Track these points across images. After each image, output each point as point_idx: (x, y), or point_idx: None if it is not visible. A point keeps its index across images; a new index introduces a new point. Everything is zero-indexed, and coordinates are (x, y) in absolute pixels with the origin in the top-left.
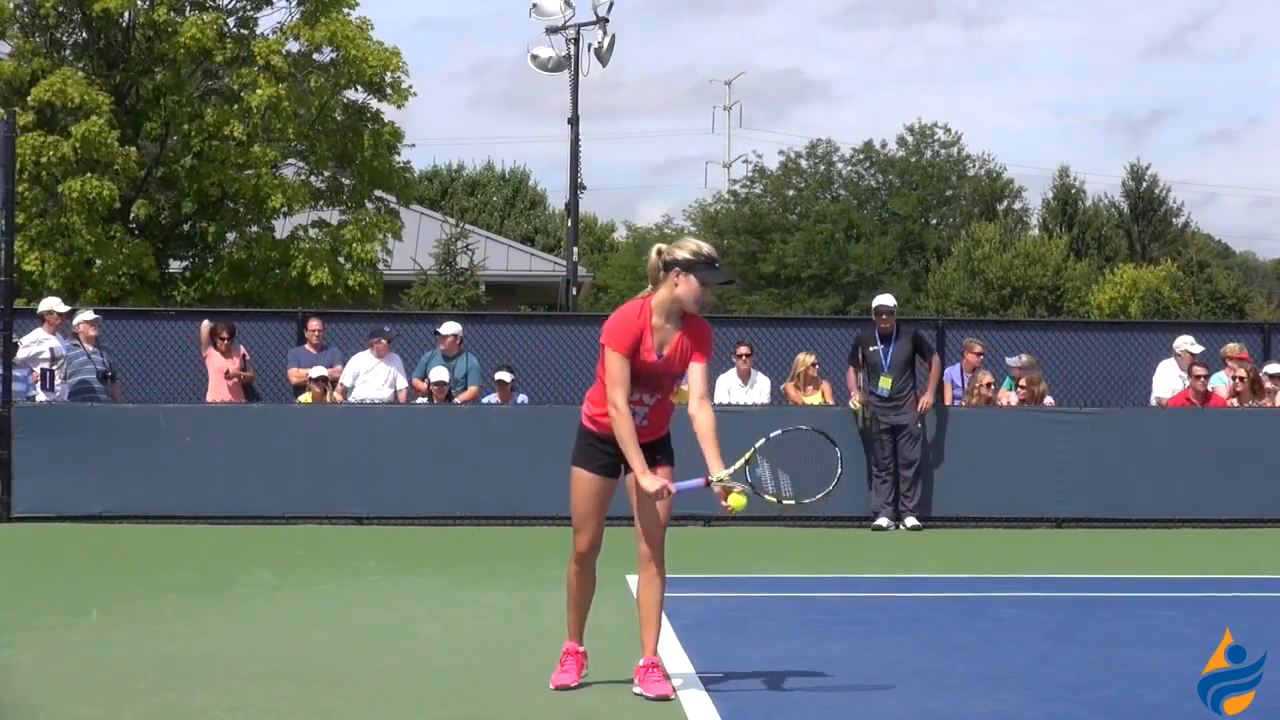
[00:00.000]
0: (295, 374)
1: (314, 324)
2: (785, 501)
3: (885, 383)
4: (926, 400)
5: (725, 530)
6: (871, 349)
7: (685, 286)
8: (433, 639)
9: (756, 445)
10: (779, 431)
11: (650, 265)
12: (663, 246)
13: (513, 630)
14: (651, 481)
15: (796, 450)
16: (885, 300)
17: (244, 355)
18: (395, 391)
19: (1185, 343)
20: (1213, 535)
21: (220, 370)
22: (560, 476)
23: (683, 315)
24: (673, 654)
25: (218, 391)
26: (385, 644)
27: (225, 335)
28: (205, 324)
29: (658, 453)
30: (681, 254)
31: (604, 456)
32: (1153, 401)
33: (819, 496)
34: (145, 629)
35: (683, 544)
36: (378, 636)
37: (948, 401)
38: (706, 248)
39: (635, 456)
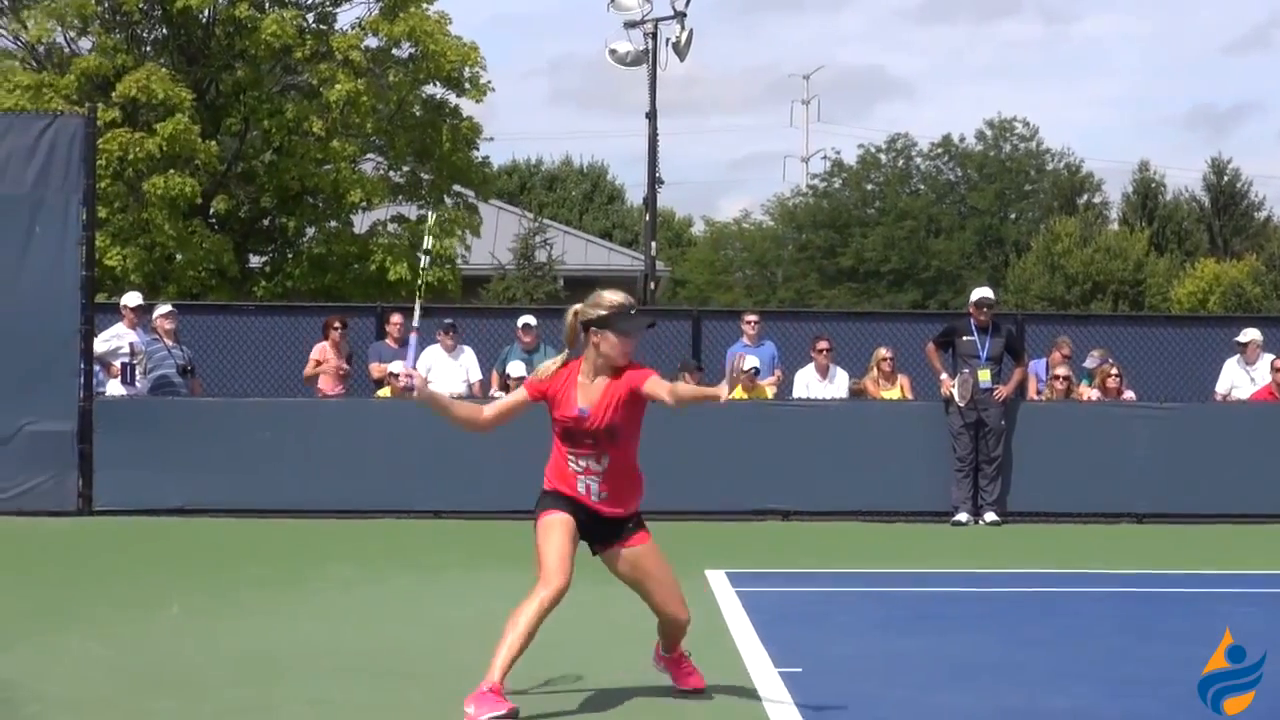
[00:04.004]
0: (376, 369)
1: (397, 318)
2: None
3: (984, 375)
4: (1002, 391)
5: (804, 525)
6: (966, 339)
7: (607, 343)
8: None
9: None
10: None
11: (568, 327)
12: (578, 307)
13: (588, 625)
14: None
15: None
16: (987, 293)
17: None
18: (470, 384)
19: (1249, 334)
20: None
21: (337, 367)
22: (646, 468)
23: (615, 369)
24: (751, 647)
25: (332, 384)
26: (462, 639)
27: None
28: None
29: (630, 524)
30: (597, 312)
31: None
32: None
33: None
34: (223, 623)
35: (762, 538)
36: (454, 631)
37: (1032, 396)
38: (619, 298)
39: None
